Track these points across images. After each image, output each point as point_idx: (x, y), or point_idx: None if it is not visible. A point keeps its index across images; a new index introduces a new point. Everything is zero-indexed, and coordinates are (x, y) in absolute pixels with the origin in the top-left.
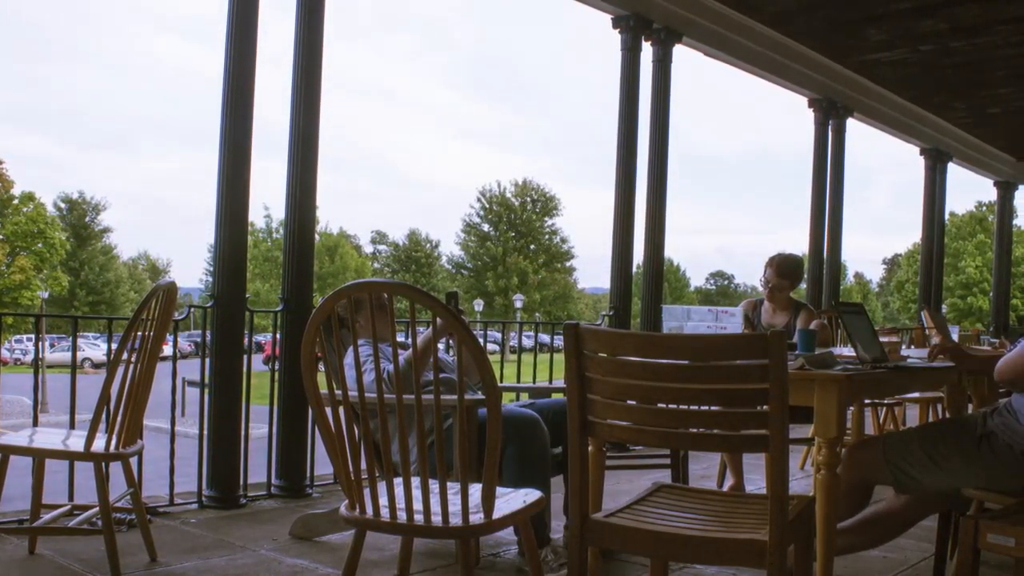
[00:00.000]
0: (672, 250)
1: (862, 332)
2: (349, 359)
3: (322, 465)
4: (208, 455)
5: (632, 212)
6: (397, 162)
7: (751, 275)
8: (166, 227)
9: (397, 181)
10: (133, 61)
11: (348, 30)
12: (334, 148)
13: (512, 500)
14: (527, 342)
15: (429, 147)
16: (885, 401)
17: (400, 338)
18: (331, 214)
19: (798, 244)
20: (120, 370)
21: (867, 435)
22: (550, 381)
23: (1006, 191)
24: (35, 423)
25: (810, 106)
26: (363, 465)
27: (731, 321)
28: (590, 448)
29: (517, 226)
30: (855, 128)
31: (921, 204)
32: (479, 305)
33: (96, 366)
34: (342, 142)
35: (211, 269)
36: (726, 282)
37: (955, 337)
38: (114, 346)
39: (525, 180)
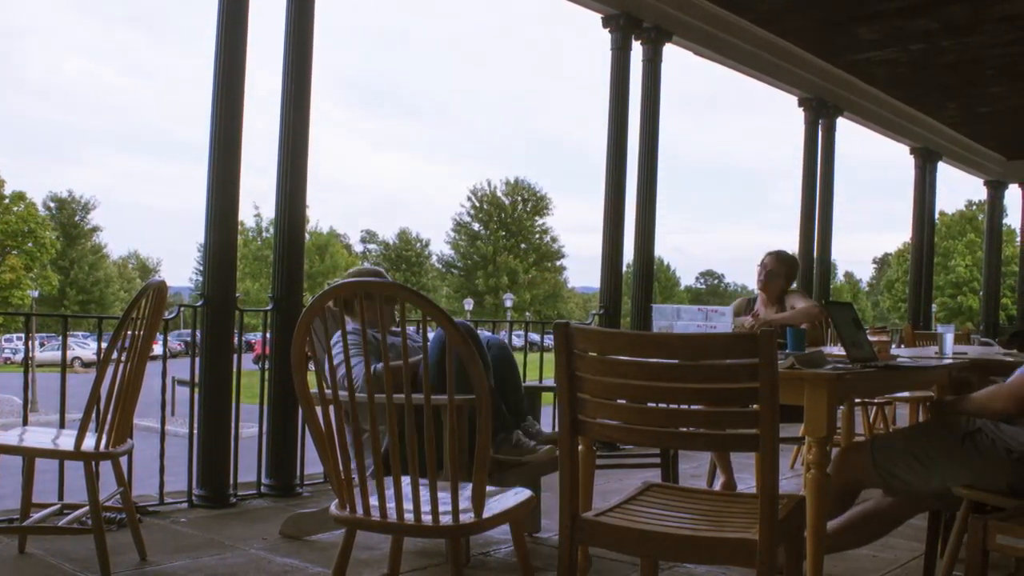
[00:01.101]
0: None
1: (851, 331)
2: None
3: (312, 464)
4: (198, 454)
5: (622, 211)
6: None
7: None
8: (146, 226)
9: (326, 186)
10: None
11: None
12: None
13: (503, 499)
14: (517, 341)
15: (348, 156)
16: (875, 400)
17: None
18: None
19: (741, 243)
20: (110, 369)
21: (857, 437)
22: (540, 380)
23: (996, 190)
24: (25, 422)
25: (800, 105)
26: (353, 464)
27: (721, 320)
28: (580, 447)
29: (508, 225)
30: (845, 127)
31: (911, 203)
32: (469, 304)
33: (86, 365)
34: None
35: (201, 268)
36: (716, 281)
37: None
38: (104, 345)
39: (516, 179)
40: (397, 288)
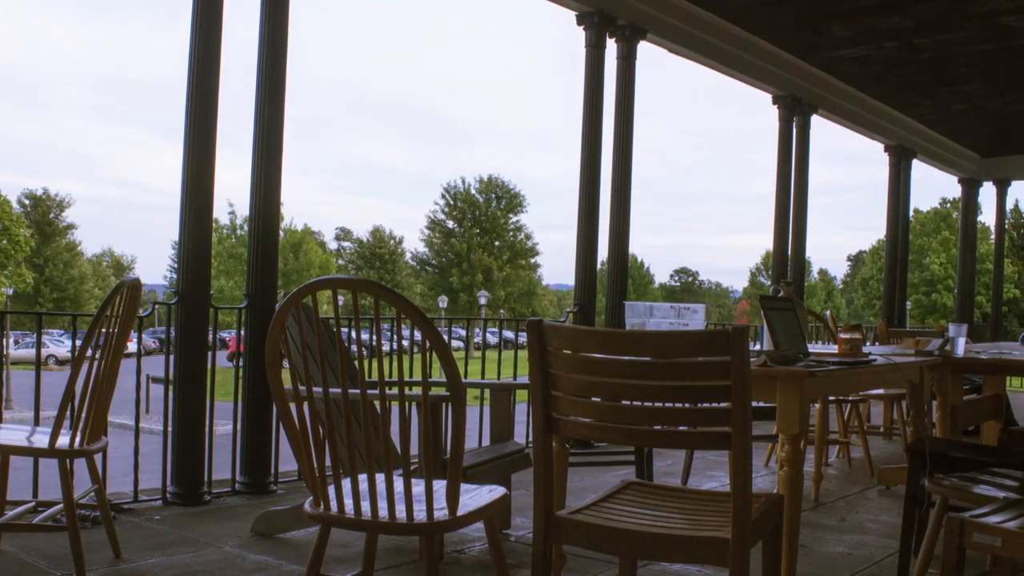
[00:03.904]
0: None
1: (786, 327)
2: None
3: (286, 462)
4: (172, 452)
5: (596, 209)
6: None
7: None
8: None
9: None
10: None
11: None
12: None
13: (477, 496)
14: (492, 339)
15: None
16: (849, 398)
17: (364, 335)
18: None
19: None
20: (84, 367)
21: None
22: (514, 377)
23: (970, 188)
24: None
25: (774, 103)
26: (328, 461)
27: (693, 318)
28: (553, 445)
29: (482, 223)
30: (819, 124)
31: (885, 201)
32: (443, 302)
33: (61, 363)
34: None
35: (175, 266)
36: (690, 279)
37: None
38: (79, 343)
39: (491, 177)
40: (372, 286)
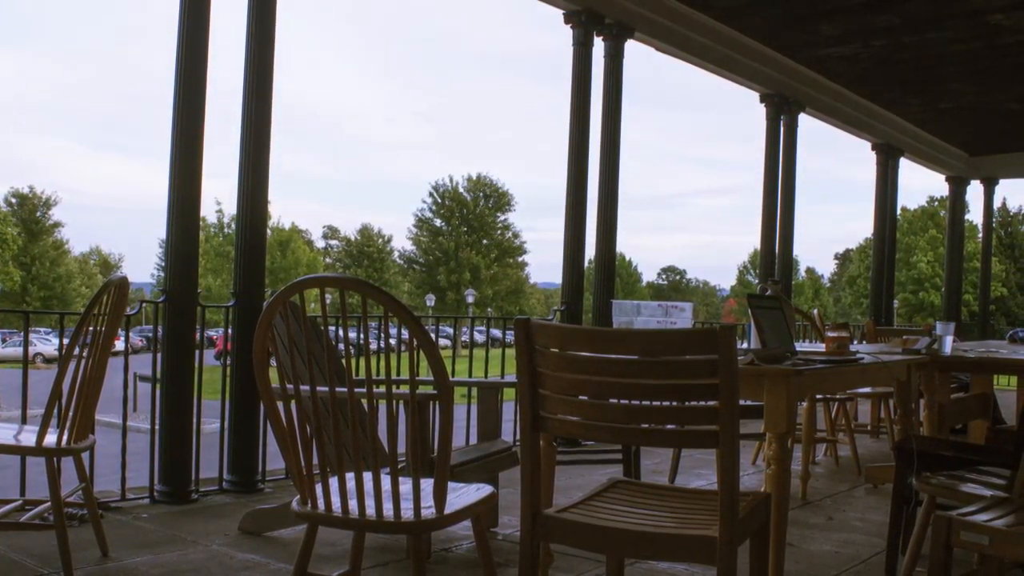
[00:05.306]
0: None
1: (773, 325)
2: None
3: (274, 460)
4: (160, 450)
5: (584, 208)
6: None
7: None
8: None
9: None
10: None
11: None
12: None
13: (464, 495)
14: (479, 337)
15: None
16: (837, 396)
17: (352, 333)
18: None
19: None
20: (72, 365)
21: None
22: (502, 376)
23: (958, 186)
24: None
25: (762, 101)
26: (315, 460)
27: (681, 316)
28: (541, 443)
29: (469, 221)
30: (807, 123)
31: (873, 199)
32: (431, 300)
33: (48, 361)
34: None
35: (163, 264)
36: (678, 277)
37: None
38: (66, 341)
39: (479, 175)
40: (359, 284)
